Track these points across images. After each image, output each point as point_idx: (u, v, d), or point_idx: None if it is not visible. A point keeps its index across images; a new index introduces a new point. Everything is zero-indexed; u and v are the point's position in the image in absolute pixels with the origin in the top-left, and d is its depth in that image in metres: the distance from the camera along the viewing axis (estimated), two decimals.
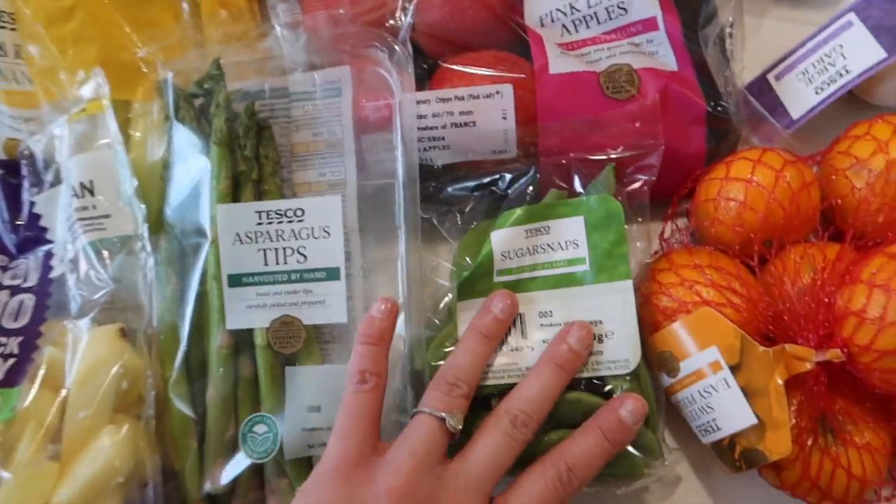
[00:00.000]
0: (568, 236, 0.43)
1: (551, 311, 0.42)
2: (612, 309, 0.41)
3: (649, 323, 0.43)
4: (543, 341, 0.41)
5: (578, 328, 0.40)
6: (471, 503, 0.35)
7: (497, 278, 0.44)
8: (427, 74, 0.49)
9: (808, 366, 0.37)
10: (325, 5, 0.48)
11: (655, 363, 0.42)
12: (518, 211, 0.44)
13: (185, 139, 0.46)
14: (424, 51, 0.50)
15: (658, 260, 0.45)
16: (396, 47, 0.45)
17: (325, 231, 0.44)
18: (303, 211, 0.45)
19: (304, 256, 0.44)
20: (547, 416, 0.38)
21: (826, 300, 0.39)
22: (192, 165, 0.46)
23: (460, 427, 0.37)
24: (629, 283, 0.41)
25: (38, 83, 0.48)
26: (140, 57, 0.48)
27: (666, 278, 0.43)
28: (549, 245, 0.44)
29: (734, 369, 0.39)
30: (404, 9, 0.47)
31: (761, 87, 0.52)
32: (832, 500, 0.39)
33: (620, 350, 0.41)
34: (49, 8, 0.47)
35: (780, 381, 0.37)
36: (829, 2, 0.58)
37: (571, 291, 0.42)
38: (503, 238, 0.44)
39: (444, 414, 0.36)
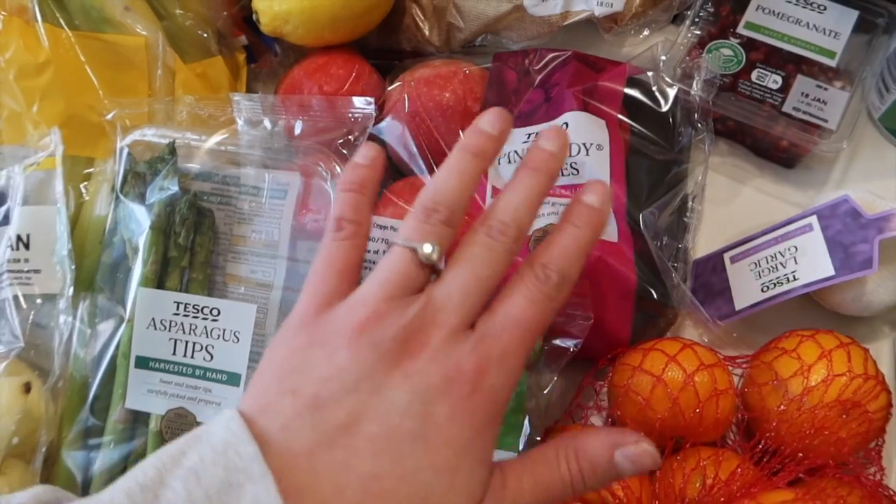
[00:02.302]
0: None
1: None
2: None
3: None
4: None
5: (549, 131, 0.35)
6: (452, 325, 0.30)
7: None
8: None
9: None
10: (298, 111, 0.48)
11: None
12: None
13: (125, 213, 0.47)
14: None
15: (549, 434, 0.44)
16: (338, 169, 0.45)
17: (236, 336, 0.45)
18: (218, 311, 0.45)
19: (211, 355, 0.45)
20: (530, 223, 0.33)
21: None
22: (128, 240, 0.47)
23: (436, 258, 0.32)
24: (514, 456, 0.41)
25: (4, 125, 0.49)
26: (106, 120, 0.49)
27: None
28: None
29: None
30: (364, 130, 0.47)
31: (715, 265, 0.51)
32: None
33: None
34: (23, 61, 0.48)
35: None
36: (813, 184, 0.57)
37: None
38: None
39: (415, 244, 0.32)
